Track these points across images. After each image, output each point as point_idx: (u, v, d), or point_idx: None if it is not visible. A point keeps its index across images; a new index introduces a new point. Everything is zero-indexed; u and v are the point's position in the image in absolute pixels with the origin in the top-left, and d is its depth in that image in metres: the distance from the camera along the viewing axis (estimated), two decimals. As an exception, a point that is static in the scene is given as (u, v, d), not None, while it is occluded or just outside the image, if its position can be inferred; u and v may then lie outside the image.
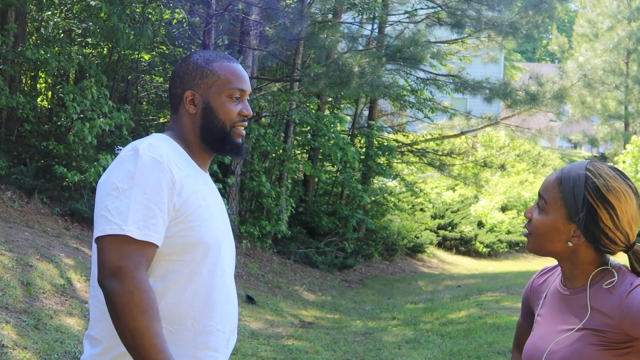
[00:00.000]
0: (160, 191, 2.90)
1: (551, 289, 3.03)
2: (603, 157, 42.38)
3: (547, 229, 2.85)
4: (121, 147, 3.09)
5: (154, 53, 18.27)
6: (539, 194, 2.91)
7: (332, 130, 19.59)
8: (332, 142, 19.44)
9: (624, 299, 2.68)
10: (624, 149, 35.76)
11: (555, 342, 2.83)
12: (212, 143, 3.20)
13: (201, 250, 3.02)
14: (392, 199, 24.18)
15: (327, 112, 21.93)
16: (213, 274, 3.07)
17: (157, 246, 2.90)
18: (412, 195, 26.16)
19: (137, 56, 17.27)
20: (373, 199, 23.16)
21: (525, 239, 3.23)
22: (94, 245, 2.93)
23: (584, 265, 2.84)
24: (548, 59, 76.16)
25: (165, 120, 19.11)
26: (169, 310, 2.96)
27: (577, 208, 2.77)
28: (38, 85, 17.21)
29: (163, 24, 17.55)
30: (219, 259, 3.09)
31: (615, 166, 2.93)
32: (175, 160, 3.03)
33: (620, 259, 2.90)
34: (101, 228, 2.86)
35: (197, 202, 3.03)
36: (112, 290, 2.79)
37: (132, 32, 14.42)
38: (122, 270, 2.79)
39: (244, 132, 3.26)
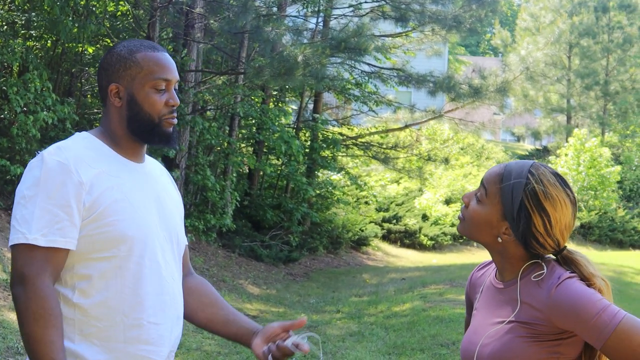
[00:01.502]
0: (65, 194, 2.89)
1: (487, 282, 3.08)
2: (546, 150, 42.84)
3: (481, 220, 2.90)
4: (39, 152, 3.07)
5: (98, 46, 18.09)
6: (482, 183, 2.94)
7: (276, 123, 19.63)
8: (276, 135, 19.48)
9: (552, 292, 2.74)
10: (566, 141, 36.24)
11: (487, 335, 2.88)
12: (140, 135, 3.14)
13: (124, 244, 2.98)
14: (337, 193, 24.21)
15: (271, 105, 21.93)
16: (141, 266, 3.03)
17: (66, 250, 2.91)
18: (356, 189, 26.24)
19: (81, 49, 17.11)
20: (318, 192, 23.21)
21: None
22: None
23: (513, 260, 2.90)
24: (491, 52, 76.73)
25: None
26: (97, 308, 2.96)
27: (512, 209, 2.81)
28: (-20, 79, 16.98)
29: (107, 16, 17.41)
30: (146, 250, 3.04)
31: (558, 171, 2.92)
32: (88, 159, 3.00)
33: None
34: (10, 238, 2.90)
35: (113, 196, 2.98)
36: (15, 297, 2.85)
37: (76, 25, 14.26)
38: (24, 277, 2.84)
39: (174, 121, 3.18)
